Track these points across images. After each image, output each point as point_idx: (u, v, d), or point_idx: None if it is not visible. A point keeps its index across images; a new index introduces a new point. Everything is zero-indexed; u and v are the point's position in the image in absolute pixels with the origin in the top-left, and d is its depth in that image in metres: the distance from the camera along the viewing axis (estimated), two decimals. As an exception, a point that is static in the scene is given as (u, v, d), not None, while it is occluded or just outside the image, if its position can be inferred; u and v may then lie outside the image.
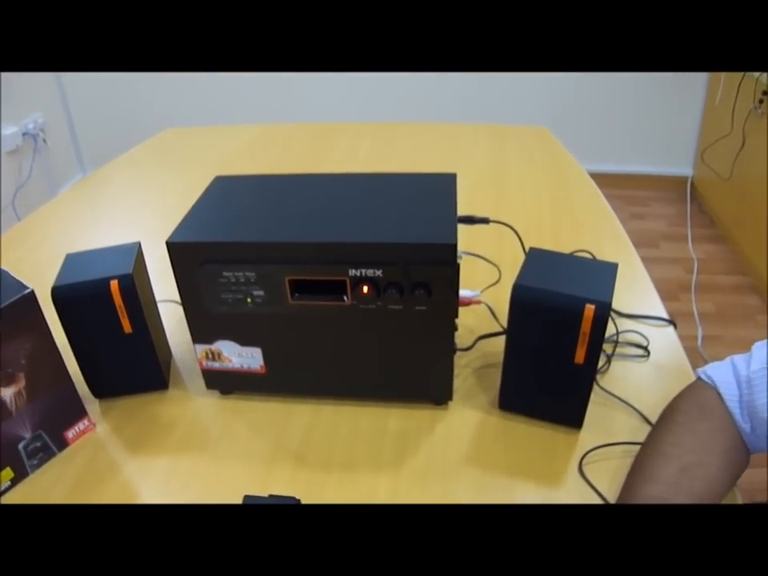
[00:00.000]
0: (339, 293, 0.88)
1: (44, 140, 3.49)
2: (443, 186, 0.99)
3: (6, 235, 1.62)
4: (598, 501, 0.81)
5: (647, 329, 1.16)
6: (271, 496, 0.65)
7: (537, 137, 2.06)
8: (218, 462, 0.94)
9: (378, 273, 0.86)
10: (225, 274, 0.88)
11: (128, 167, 1.99)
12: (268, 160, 1.99)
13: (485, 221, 1.01)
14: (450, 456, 0.93)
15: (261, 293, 0.89)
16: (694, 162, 3.95)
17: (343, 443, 0.96)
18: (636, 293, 1.26)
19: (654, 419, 0.89)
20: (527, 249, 0.98)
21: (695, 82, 3.69)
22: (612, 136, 3.92)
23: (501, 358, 1.05)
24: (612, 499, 0.80)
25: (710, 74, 3.67)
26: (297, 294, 0.89)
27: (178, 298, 0.92)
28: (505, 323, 1.05)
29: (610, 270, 0.91)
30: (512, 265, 1.25)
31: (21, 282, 0.87)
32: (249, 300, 0.90)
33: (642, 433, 0.88)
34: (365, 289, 0.86)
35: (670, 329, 1.16)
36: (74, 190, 1.89)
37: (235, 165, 1.95)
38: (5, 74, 3.19)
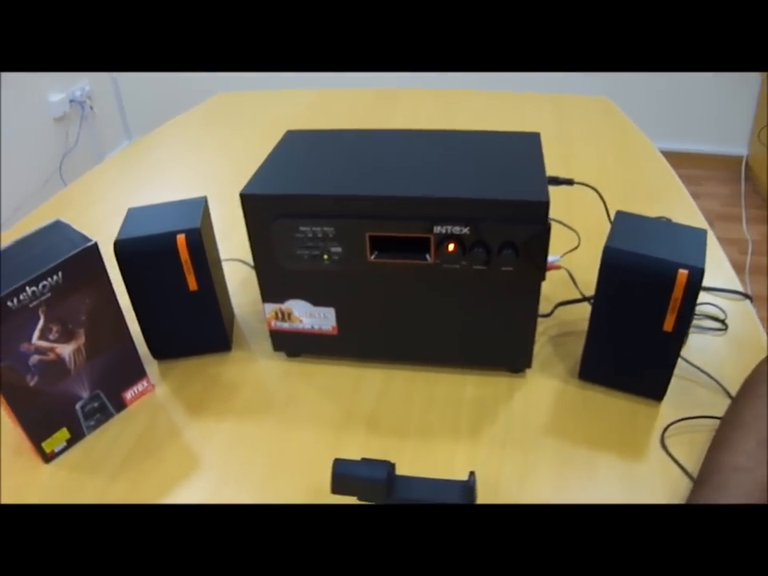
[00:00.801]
0: (422, 251, 0.84)
1: (91, 107, 3.48)
2: (528, 144, 0.94)
3: (54, 199, 1.60)
4: (680, 474, 0.79)
5: (723, 302, 1.11)
6: (364, 459, 0.60)
7: (599, 107, 1.98)
8: (285, 426, 0.91)
9: (465, 230, 0.81)
10: (301, 228, 0.84)
11: (178, 131, 1.96)
12: (326, 125, 1.94)
13: (569, 182, 0.96)
14: (529, 425, 0.89)
15: (338, 249, 0.85)
16: (749, 142, 3.83)
17: (418, 410, 0.92)
18: (711, 266, 1.20)
19: (734, 392, 0.86)
20: (613, 213, 0.93)
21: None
22: (666, 114, 3.81)
23: (579, 326, 1.03)
24: (694, 472, 0.77)
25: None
26: (376, 252, 0.85)
27: (241, 256, 0.88)
28: (584, 290, 1.02)
29: (700, 236, 0.87)
30: (590, 231, 1.21)
31: (83, 234, 0.84)
32: (325, 257, 0.86)
33: (722, 406, 0.85)
34: (450, 247, 0.81)
35: (746, 303, 1.11)
36: (123, 154, 1.86)
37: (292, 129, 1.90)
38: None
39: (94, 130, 3.55)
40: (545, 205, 0.80)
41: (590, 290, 1.06)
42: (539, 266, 0.84)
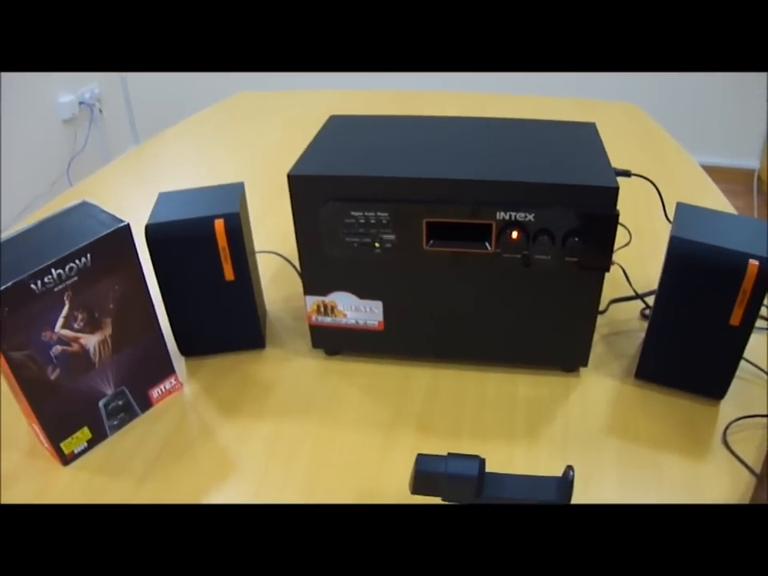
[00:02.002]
0: (482, 239, 0.79)
1: (100, 110, 3.44)
2: (586, 133, 0.89)
3: (62, 197, 1.53)
4: (744, 472, 0.76)
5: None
6: (450, 454, 0.54)
7: (627, 112, 1.94)
8: (328, 427, 0.85)
9: (530, 217, 0.76)
10: (352, 213, 0.79)
11: (191, 131, 1.91)
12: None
13: (626, 173, 0.90)
14: (588, 425, 0.84)
15: (392, 237, 0.79)
16: (761, 154, 3.80)
17: (470, 410, 0.87)
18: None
19: None
20: (669, 206, 0.88)
21: (764, 73, 3.54)
22: (677, 126, 3.78)
23: (631, 325, 0.99)
24: (759, 469, 0.76)
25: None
26: (433, 240, 0.80)
27: (274, 248, 0.82)
28: (638, 287, 0.97)
29: (764, 227, 0.82)
30: (641, 227, 1.16)
31: (113, 216, 0.78)
32: (377, 245, 0.80)
33: None
34: (514, 234, 0.76)
35: None
36: (133, 154, 1.80)
37: (315, 129, 1.85)
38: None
39: (102, 132, 3.51)
40: (614, 191, 0.75)
41: (642, 288, 1.01)
42: (605, 257, 0.78)
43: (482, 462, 0.52)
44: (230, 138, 1.80)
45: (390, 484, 0.77)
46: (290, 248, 1.15)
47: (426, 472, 0.52)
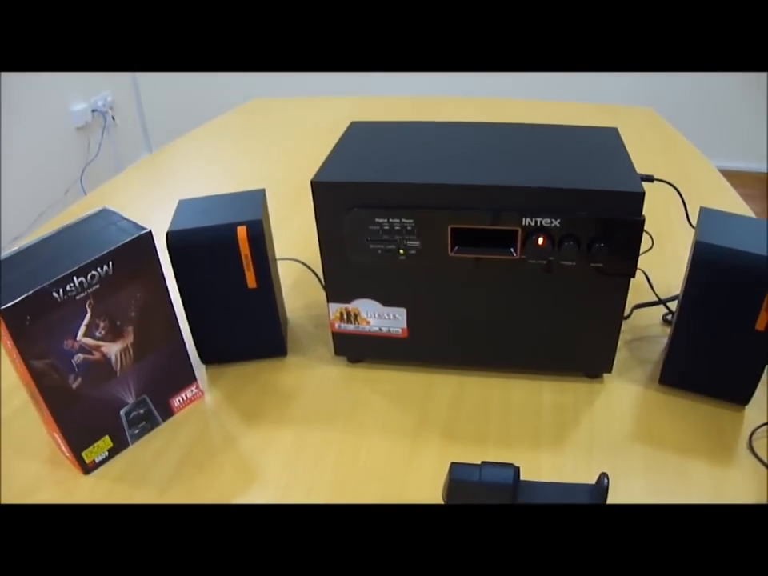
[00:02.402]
0: (507, 245, 0.78)
1: (113, 117, 3.45)
2: (608, 138, 0.89)
3: (77, 206, 1.53)
4: None
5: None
6: (484, 463, 0.53)
7: (644, 117, 1.93)
8: (353, 434, 0.85)
9: (556, 223, 0.75)
10: (377, 220, 0.79)
11: (211, 136, 1.91)
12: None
13: (649, 179, 0.90)
14: (614, 431, 0.84)
15: (416, 243, 0.79)
16: (773, 158, 3.79)
17: (496, 417, 0.87)
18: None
19: None
20: (692, 212, 0.87)
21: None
22: (691, 130, 3.76)
23: (654, 331, 0.99)
24: None
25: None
26: (458, 246, 0.79)
27: (293, 255, 0.82)
28: (660, 293, 0.96)
29: (788, 232, 0.80)
30: (662, 233, 1.15)
31: (135, 223, 0.77)
32: (401, 251, 0.80)
33: None
34: (540, 240, 0.76)
35: None
36: (146, 162, 1.80)
37: (331, 136, 1.85)
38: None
39: (115, 140, 3.52)
40: (640, 196, 0.75)
41: (664, 293, 1.00)
42: (630, 263, 0.78)
43: (517, 470, 0.52)
44: (245, 145, 1.80)
45: (416, 491, 0.77)
46: (311, 255, 1.15)
47: (461, 481, 0.52)
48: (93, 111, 3.34)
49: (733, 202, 1.38)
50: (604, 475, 0.51)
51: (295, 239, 1.27)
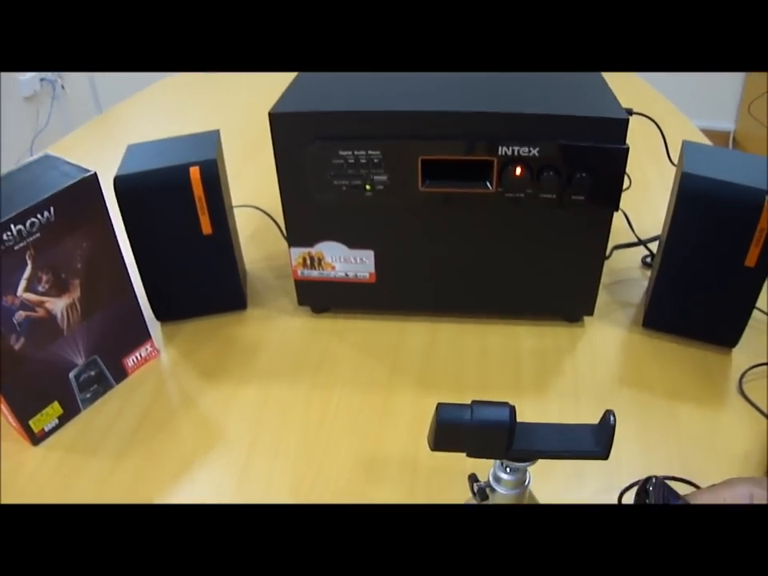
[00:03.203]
0: (482, 177, 0.73)
1: (62, 86, 3.32)
2: (591, 77, 0.83)
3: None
4: (763, 421, 0.74)
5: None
6: (474, 402, 0.47)
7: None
8: (321, 389, 0.80)
9: (534, 152, 0.70)
10: (341, 153, 0.72)
11: (165, 94, 1.83)
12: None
13: (629, 112, 0.84)
14: (599, 376, 0.80)
15: (384, 177, 0.73)
16: (736, 117, 3.81)
17: (473, 364, 0.82)
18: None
19: None
20: (672, 147, 0.84)
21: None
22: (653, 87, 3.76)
23: (634, 273, 0.95)
24: None
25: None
26: (428, 180, 0.73)
27: (250, 202, 0.76)
28: (640, 234, 0.92)
29: (773, 164, 0.77)
30: (637, 177, 1.11)
31: (78, 166, 0.71)
32: (368, 187, 0.74)
33: None
34: (517, 170, 0.70)
35: None
36: (97, 123, 1.72)
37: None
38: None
39: (65, 109, 3.40)
40: (625, 122, 0.70)
41: (644, 234, 0.96)
42: (614, 194, 0.73)
43: (513, 408, 0.46)
44: (200, 102, 1.73)
45: (392, 447, 0.72)
46: (270, 204, 1.08)
47: (450, 422, 0.45)
48: (41, 80, 3.22)
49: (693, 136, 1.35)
50: (610, 413, 0.45)
51: (253, 187, 1.21)
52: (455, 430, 0.45)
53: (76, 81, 3.45)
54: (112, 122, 1.63)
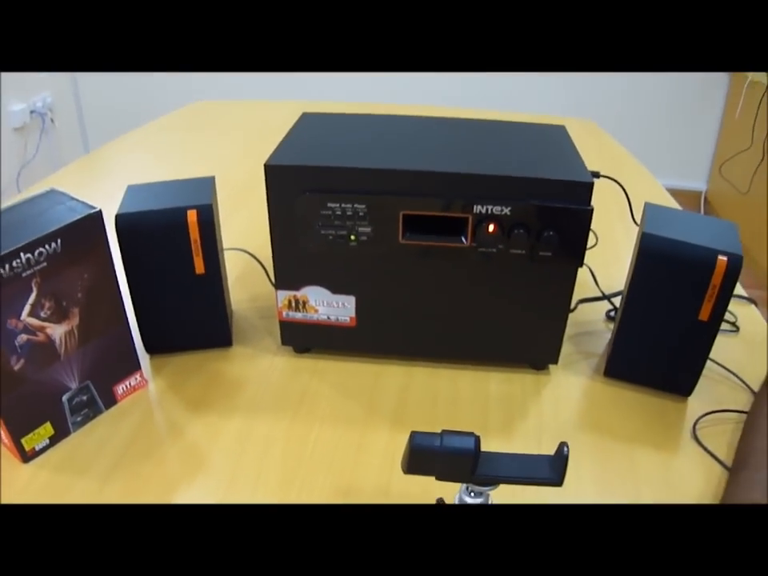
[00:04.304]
0: (458, 233, 0.79)
1: (51, 120, 3.37)
2: (556, 135, 0.91)
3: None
4: (714, 464, 0.79)
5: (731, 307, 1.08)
6: (444, 431, 0.53)
7: (585, 128, 1.98)
8: (301, 424, 0.84)
9: (506, 211, 0.76)
10: (329, 204, 0.78)
11: (150, 138, 1.87)
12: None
13: (596, 175, 0.91)
14: (561, 421, 0.85)
15: (368, 229, 0.79)
16: (708, 177, 3.91)
17: (444, 406, 0.87)
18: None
19: (755, 388, 0.89)
20: (636, 209, 0.90)
21: (713, 97, 3.65)
22: (628, 146, 3.86)
23: (598, 326, 1.01)
24: (727, 461, 0.79)
25: (728, 90, 3.63)
26: (409, 233, 0.79)
27: (236, 245, 0.80)
28: (605, 288, 0.99)
29: (731, 228, 0.85)
30: (604, 234, 1.18)
31: (84, 202, 0.76)
32: (353, 237, 0.80)
33: (744, 401, 0.88)
34: (491, 227, 0.77)
35: (752, 308, 1.10)
36: (83, 162, 1.76)
37: (275, 137, 1.83)
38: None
39: (53, 142, 3.45)
40: (590, 186, 0.77)
41: (607, 291, 1.02)
42: (579, 251, 0.79)
43: (478, 438, 0.52)
44: (187, 145, 1.78)
45: (366, 479, 0.76)
46: (256, 247, 1.14)
47: (422, 447, 0.51)
48: (31, 112, 3.26)
49: (672, 206, 1.41)
50: (564, 444, 0.51)
51: (240, 232, 1.26)
52: (426, 456, 0.51)
53: (65, 115, 3.49)
54: (102, 160, 1.68)
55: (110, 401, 0.85)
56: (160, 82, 3.67)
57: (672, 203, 1.43)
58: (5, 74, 3.05)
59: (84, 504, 0.72)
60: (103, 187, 1.51)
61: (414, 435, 0.51)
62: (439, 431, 0.53)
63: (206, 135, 1.85)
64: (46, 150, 3.42)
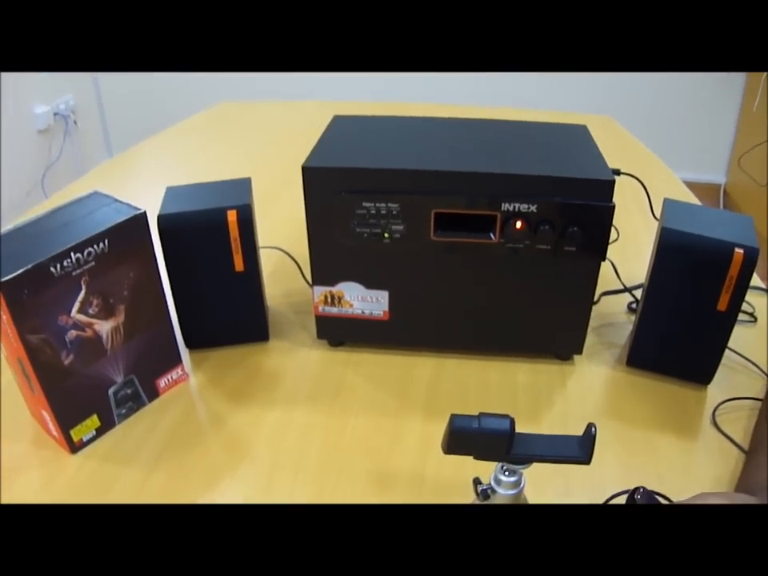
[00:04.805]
0: (486, 229, 0.83)
1: (75, 121, 3.43)
2: (578, 134, 0.94)
3: (35, 209, 1.51)
4: (732, 448, 0.82)
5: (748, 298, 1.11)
6: (481, 414, 0.57)
7: (603, 124, 2.00)
8: (338, 414, 0.88)
9: (533, 208, 0.80)
10: (365, 204, 0.82)
11: (176, 140, 1.91)
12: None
13: (616, 172, 0.95)
14: (586, 409, 0.89)
15: (401, 227, 0.83)
16: (727, 170, 3.90)
17: (474, 396, 0.91)
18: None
19: None
20: (656, 204, 0.93)
21: (730, 90, 3.65)
22: (646, 141, 3.86)
23: (619, 318, 1.05)
24: (745, 446, 0.82)
25: (746, 82, 3.63)
26: (440, 231, 0.83)
27: (268, 243, 0.83)
28: (626, 281, 1.02)
29: (748, 222, 0.88)
30: (625, 229, 1.21)
31: (129, 204, 0.80)
32: (386, 235, 0.84)
33: (761, 388, 0.91)
34: (518, 224, 0.80)
35: None
36: (108, 166, 1.80)
37: (301, 138, 1.86)
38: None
39: (77, 143, 3.50)
40: (611, 183, 0.80)
41: (629, 284, 1.06)
42: (601, 246, 0.83)
43: (512, 420, 0.56)
44: (214, 147, 1.82)
45: (402, 464, 0.80)
46: (289, 245, 1.18)
47: (461, 429, 0.55)
48: (55, 114, 3.31)
49: (691, 201, 1.44)
50: (591, 425, 0.55)
51: (270, 230, 1.29)
52: (465, 436, 0.55)
53: (88, 116, 3.54)
54: (130, 162, 1.73)
55: (153, 394, 0.89)
56: (180, 84, 3.71)
57: (690, 197, 1.45)
58: (28, 78, 3.10)
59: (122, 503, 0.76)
60: (133, 188, 1.55)
61: (453, 417, 0.55)
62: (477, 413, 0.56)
63: (232, 136, 1.89)
64: (69, 152, 3.47)
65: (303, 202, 0.85)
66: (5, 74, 2.89)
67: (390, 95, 3.55)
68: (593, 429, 0.54)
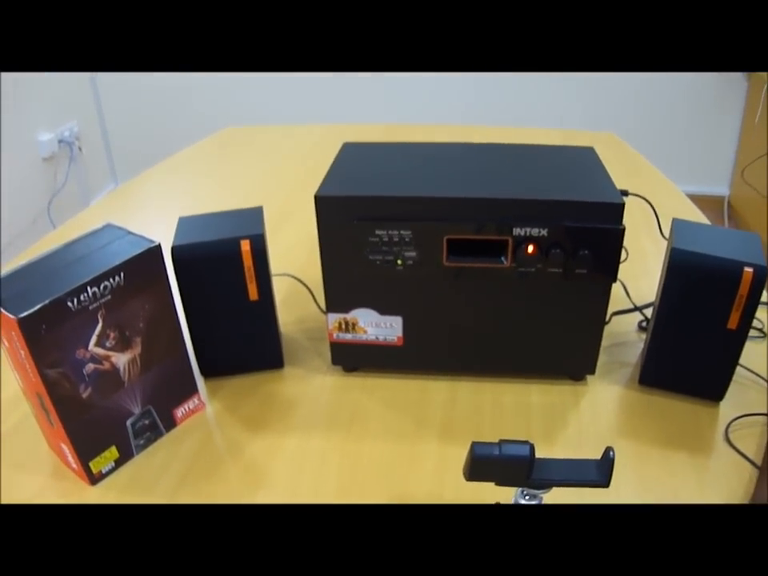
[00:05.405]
0: (498, 254, 0.84)
1: (79, 148, 3.45)
2: (586, 157, 0.95)
3: (44, 240, 1.51)
4: (746, 465, 0.83)
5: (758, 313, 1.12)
6: (501, 441, 0.58)
7: (607, 141, 2.01)
8: (354, 439, 0.89)
9: (544, 232, 0.81)
10: (377, 232, 0.84)
11: (182, 167, 1.92)
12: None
13: (624, 193, 0.96)
14: (600, 428, 0.89)
15: (413, 254, 0.84)
16: (730, 182, 3.91)
17: (489, 418, 0.92)
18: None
19: None
20: (664, 224, 0.94)
21: (732, 102, 3.67)
22: (649, 155, 3.87)
23: (630, 336, 1.05)
24: (759, 462, 0.82)
25: (747, 95, 3.64)
26: (452, 256, 0.84)
27: (281, 269, 0.84)
28: (636, 301, 1.03)
29: (755, 239, 0.89)
30: (634, 248, 1.22)
31: (143, 237, 0.81)
32: (399, 261, 0.85)
33: None
34: (530, 248, 0.81)
35: None
36: (115, 195, 1.80)
37: (307, 162, 1.89)
38: (41, 79, 3.16)
39: (81, 170, 3.52)
40: (621, 207, 0.81)
41: (639, 302, 1.07)
42: (612, 268, 0.84)
43: (532, 446, 0.57)
44: (220, 173, 1.82)
45: (420, 488, 0.81)
46: (299, 272, 1.19)
47: (482, 456, 0.56)
48: (59, 142, 3.33)
49: (698, 218, 1.45)
50: (610, 449, 0.56)
51: (280, 257, 1.31)
52: (486, 463, 0.56)
53: (92, 143, 3.55)
54: (129, 194, 1.73)
55: (170, 424, 0.90)
56: (184, 109, 3.74)
57: (697, 213, 1.46)
58: (32, 105, 3.12)
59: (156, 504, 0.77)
60: (142, 217, 1.57)
61: (474, 445, 0.56)
62: (497, 441, 0.57)
63: (238, 162, 1.89)
64: (75, 179, 3.49)
65: (312, 227, 0.86)
66: (8, 101, 2.91)
67: (394, 116, 3.57)
68: (611, 453, 0.55)
